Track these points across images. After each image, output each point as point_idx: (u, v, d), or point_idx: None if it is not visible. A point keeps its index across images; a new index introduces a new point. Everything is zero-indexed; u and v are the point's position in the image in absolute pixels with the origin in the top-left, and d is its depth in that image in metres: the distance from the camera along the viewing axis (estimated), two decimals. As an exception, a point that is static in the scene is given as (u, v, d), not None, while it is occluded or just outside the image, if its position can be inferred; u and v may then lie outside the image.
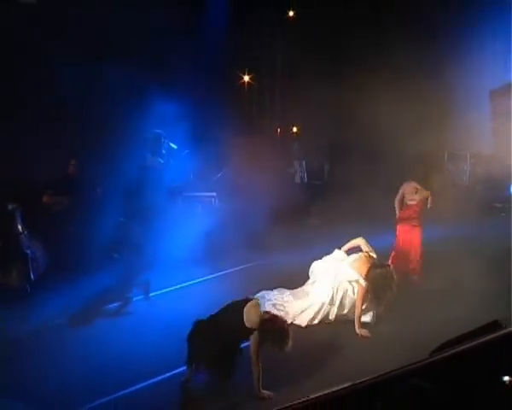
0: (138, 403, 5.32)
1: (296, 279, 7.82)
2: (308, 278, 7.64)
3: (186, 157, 9.99)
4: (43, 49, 8.78)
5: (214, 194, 10.78)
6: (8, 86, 8.76)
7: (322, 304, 7.10)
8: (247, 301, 5.58)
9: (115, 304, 7.72)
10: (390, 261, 8.14)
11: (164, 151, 9.32)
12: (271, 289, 7.71)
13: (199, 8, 11.46)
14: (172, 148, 9.41)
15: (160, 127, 9.63)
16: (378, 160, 11.16)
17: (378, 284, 6.75)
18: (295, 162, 12.62)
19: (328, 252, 7.63)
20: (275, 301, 7.38)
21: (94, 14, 9.33)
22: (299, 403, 2.49)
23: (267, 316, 5.46)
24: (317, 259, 7.60)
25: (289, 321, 6.96)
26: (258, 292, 7.58)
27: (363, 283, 6.85)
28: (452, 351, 2.90)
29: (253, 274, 8.66)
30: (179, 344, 5.85)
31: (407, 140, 9.91)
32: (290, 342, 5.38)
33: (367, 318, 7.09)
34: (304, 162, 12.59)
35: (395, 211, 8.73)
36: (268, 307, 6.83)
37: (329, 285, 7.14)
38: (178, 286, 8.31)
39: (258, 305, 5.53)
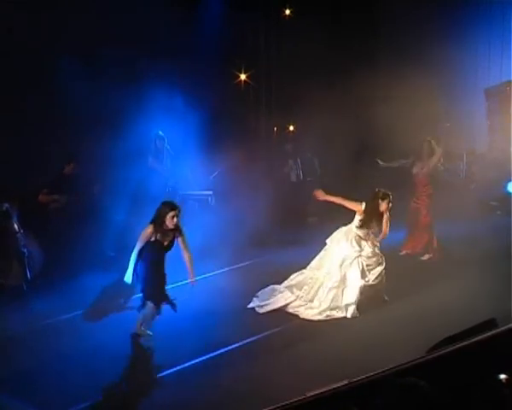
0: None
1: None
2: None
3: (183, 156, 9.99)
4: (41, 46, 8.75)
5: (211, 192, 10.76)
6: (6, 85, 8.73)
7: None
8: None
9: (113, 302, 7.71)
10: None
11: (165, 154, 9.45)
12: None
13: (194, 5, 11.42)
14: (171, 152, 9.57)
15: (157, 126, 9.62)
16: (371, 156, 11.13)
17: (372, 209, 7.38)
18: (290, 161, 12.59)
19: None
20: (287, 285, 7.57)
21: (90, 13, 9.30)
22: (296, 401, 2.49)
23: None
24: (315, 256, 7.62)
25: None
26: (256, 289, 7.61)
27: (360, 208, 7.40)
28: (449, 349, 2.91)
29: (250, 272, 8.67)
30: (179, 340, 5.89)
31: (401, 138, 9.91)
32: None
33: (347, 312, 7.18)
34: (298, 160, 12.57)
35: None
36: (281, 299, 7.32)
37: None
38: (175, 285, 8.31)
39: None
